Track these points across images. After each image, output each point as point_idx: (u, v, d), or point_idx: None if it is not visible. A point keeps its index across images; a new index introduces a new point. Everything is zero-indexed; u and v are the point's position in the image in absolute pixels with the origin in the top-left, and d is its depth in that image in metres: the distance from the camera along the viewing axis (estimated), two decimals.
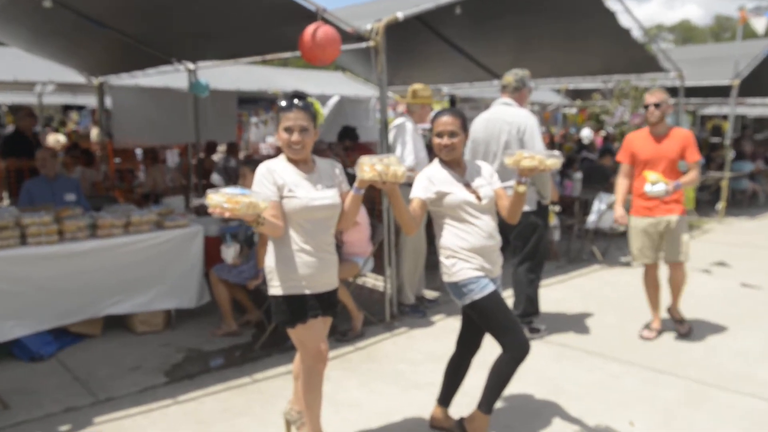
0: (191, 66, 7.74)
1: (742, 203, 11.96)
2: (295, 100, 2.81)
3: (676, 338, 4.79)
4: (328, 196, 2.84)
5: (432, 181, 3.01)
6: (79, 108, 15.51)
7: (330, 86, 13.07)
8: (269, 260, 2.84)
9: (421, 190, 2.99)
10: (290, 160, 2.85)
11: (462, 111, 3.13)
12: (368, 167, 2.62)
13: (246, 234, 5.13)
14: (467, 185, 3.03)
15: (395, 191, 2.73)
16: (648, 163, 4.60)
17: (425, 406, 3.57)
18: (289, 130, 2.78)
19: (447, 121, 3.00)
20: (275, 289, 2.81)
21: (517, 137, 4.56)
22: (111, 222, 4.50)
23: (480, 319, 3.04)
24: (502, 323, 2.98)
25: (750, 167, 11.97)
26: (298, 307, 2.80)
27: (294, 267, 2.78)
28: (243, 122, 15.12)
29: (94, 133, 11.67)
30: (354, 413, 3.55)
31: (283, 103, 2.82)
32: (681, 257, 4.67)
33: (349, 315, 4.76)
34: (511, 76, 4.79)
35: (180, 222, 4.82)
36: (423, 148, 5.29)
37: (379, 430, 3.38)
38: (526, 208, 4.62)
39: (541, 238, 4.77)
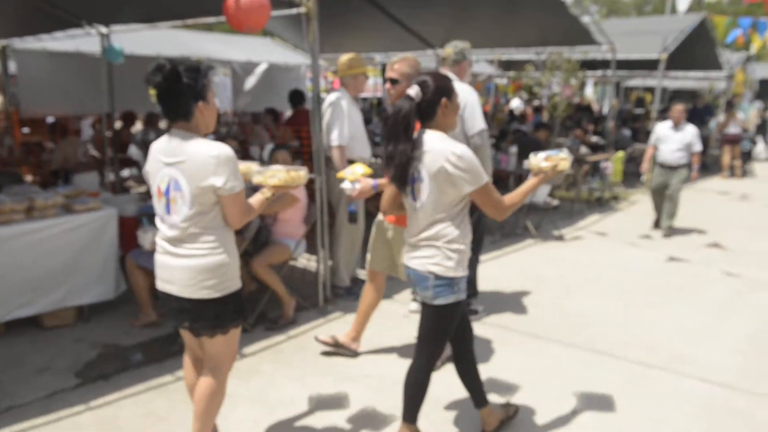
0: (104, 30, 7.10)
1: None
2: None
3: (611, 316, 4.78)
4: None
5: None
6: None
7: (257, 53, 12.48)
8: (222, 255, 2.52)
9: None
10: None
11: None
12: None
13: None
14: None
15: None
16: None
17: (364, 400, 3.38)
18: None
19: None
20: (234, 283, 2.59)
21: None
22: (10, 207, 4.00)
23: (436, 320, 2.77)
24: (446, 335, 2.83)
25: None
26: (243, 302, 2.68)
27: (237, 258, 2.63)
28: None
29: None
30: (289, 411, 3.31)
31: None
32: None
33: (280, 301, 4.49)
34: (450, 48, 4.55)
35: (91, 204, 4.36)
36: (361, 124, 5.00)
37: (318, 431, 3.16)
38: None
39: (481, 218, 4.60)
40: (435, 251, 2.68)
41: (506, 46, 9.88)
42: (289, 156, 4.68)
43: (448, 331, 2.81)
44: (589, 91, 20.25)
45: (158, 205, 2.54)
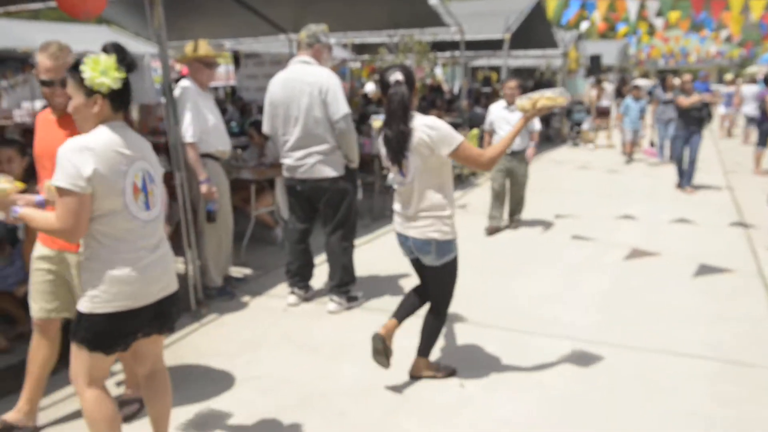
0: None
1: None
2: None
3: (479, 288, 4.97)
4: None
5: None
6: None
7: (94, 43, 11.55)
8: None
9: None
10: None
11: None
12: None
13: (5, 228, 4.23)
14: None
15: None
16: (38, 160, 3.00)
17: (250, 406, 3.24)
18: None
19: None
20: None
21: (319, 98, 4.27)
22: None
23: (443, 275, 3.30)
24: (453, 286, 3.37)
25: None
26: None
27: None
28: None
29: None
30: (174, 428, 3.08)
31: None
32: None
33: None
34: (304, 32, 4.44)
35: None
36: (217, 114, 4.73)
37: None
38: (334, 173, 4.40)
39: (352, 203, 4.58)
40: (433, 221, 3.15)
41: (358, 30, 9.92)
42: None
43: (454, 282, 3.37)
44: (439, 72, 20.93)
45: (135, 203, 2.29)
